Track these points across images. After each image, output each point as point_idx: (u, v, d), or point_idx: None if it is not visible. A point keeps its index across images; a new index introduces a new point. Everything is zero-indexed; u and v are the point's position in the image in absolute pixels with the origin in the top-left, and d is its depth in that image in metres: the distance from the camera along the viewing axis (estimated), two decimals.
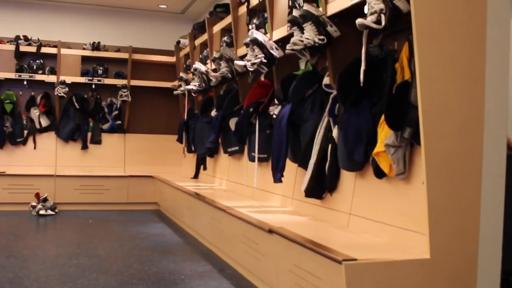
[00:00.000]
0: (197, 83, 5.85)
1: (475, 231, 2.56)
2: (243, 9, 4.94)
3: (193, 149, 6.67)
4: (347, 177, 3.33)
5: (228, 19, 5.38)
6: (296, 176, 3.99)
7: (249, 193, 4.95)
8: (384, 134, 2.71)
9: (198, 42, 6.68)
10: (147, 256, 4.55)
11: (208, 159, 6.34)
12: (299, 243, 2.81)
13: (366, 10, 2.68)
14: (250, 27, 4.60)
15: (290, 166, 3.91)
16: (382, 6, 2.50)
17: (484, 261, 2.59)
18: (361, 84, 2.73)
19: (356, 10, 2.91)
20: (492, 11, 2.58)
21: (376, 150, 2.77)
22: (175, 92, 7.03)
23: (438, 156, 2.42)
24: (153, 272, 4.02)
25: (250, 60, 4.08)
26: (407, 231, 2.72)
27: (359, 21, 2.54)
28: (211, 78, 5.30)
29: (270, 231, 3.19)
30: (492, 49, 2.56)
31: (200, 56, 6.41)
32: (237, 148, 5.22)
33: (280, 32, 4.02)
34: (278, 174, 3.86)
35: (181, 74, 6.84)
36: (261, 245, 3.48)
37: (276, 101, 4.14)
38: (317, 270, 2.66)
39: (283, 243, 3.04)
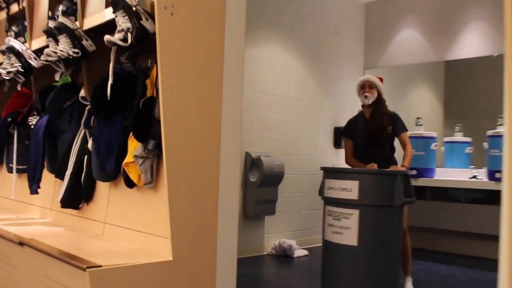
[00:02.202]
0: None
1: (214, 233, 2.76)
2: (2, 15, 4.63)
3: None
4: (102, 187, 3.34)
5: None
6: (55, 187, 3.86)
7: (8, 205, 4.63)
8: (134, 146, 2.78)
9: None
10: None
11: None
12: (49, 253, 2.73)
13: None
14: (9, 34, 4.34)
15: (49, 177, 3.78)
16: (129, 25, 2.58)
17: (222, 260, 2.81)
18: (109, 98, 2.77)
19: (114, 26, 2.95)
20: (229, 36, 2.82)
21: (125, 161, 2.83)
22: None
23: (178, 166, 2.57)
24: None
25: (6, 69, 3.85)
26: (156, 237, 2.82)
27: (106, 37, 2.58)
28: None
29: (21, 243, 3.04)
30: (228, 71, 2.80)
31: None
32: None
33: (39, 41, 3.87)
34: (34, 186, 3.71)
35: None
36: (13, 258, 3.28)
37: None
38: (66, 279, 2.61)
39: (34, 255, 2.92)
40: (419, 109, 7.67)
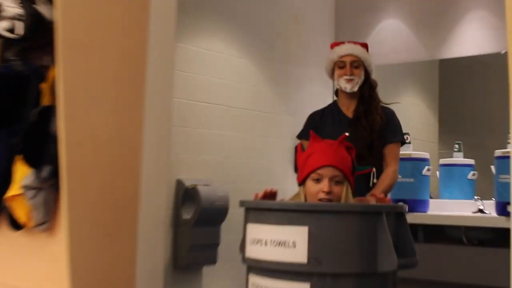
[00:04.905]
0: None
1: None
2: None
3: None
4: None
5: None
6: None
7: None
8: (22, 172, 2.74)
9: None
10: None
11: None
12: None
13: None
14: None
15: None
16: (19, 10, 2.56)
17: None
18: None
19: None
20: (155, 26, 2.85)
21: (10, 193, 2.79)
22: None
23: (82, 200, 2.56)
24: None
25: None
26: None
27: None
28: None
29: None
30: (153, 71, 2.82)
31: None
32: None
33: None
34: None
35: None
36: None
37: None
38: None
39: None
40: (407, 122, 7.75)
